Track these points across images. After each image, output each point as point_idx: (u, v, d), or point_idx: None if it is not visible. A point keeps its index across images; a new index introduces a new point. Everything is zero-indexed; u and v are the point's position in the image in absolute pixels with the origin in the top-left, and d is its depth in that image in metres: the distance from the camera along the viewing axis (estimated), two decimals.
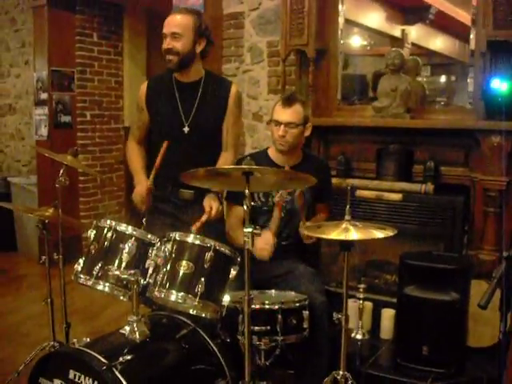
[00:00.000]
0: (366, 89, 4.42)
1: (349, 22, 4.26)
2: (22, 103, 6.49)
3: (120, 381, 2.10)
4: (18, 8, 6.39)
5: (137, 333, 2.33)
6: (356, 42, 4.80)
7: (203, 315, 2.32)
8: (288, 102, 2.92)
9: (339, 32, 4.11)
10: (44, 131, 5.58)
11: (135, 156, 3.15)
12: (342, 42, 4.14)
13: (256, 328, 2.40)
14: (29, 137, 6.32)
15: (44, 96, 5.59)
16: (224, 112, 3.00)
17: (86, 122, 5.86)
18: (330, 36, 4.10)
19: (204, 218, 2.71)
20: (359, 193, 3.69)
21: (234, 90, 3.04)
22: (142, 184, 2.93)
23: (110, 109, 6.10)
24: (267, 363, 2.53)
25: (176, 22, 2.87)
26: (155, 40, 6.13)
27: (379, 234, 2.30)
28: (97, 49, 5.97)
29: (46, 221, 2.94)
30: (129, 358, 2.22)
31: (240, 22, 4.60)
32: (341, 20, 4.11)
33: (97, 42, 5.97)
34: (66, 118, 5.68)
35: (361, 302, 3.37)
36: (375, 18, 4.68)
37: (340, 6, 4.08)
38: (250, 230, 2.07)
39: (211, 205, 2.85)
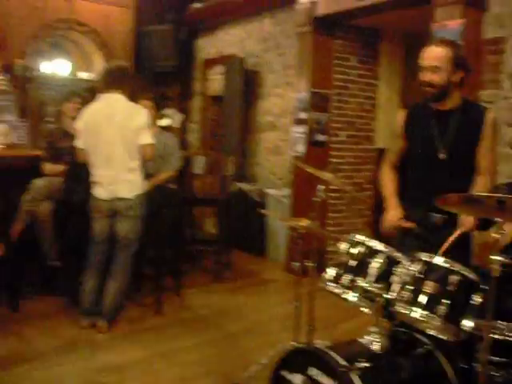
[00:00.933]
0: None
1: None
2: (282, 121, 6.88)
3: None
4: (284, 34, 6.86)
5: (376, 344, 2.46)
6: None
7: (443, 337, 2.35)
8: None
9: None
10: (301, 148, 5.92)
11: (388, 180, 3.29)
12: None
13: (495, 359, 2.32)
14: (286, 152, 6.67)
15: (303, 115, 5.92)
16: (480, 138, 2.98)
17: (339, 141, 6.13)
18: None
19: (455, 235, 2.76)
20: None
21: (490, 115, 3.00)
22: (393, 212, 3.08)
23: (363, 130, 6.27)
24: None
25: (434, 55, 2.92)
26: (411, 65, 6.25)
27: None
28: (354, 72, 6.22)
29: (301, 231, 3.20)
30: (367, 365, 2.36)
31: (500, 48, 4.47)
32: None
33: (354, 65, 6.21)
34: (321, 137, 5.97)
35: None
36: None
37: None
38: (498, 258, 2.08)
39: (466, 220, 2.87)
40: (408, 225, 3.00)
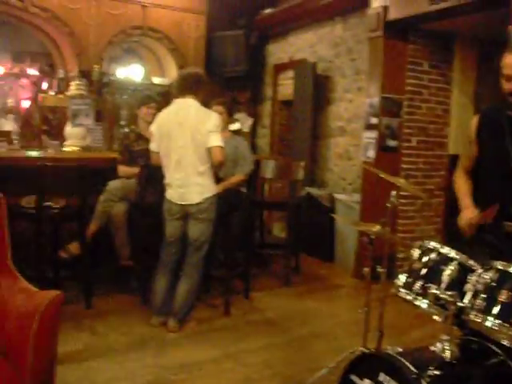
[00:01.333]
0: None
1: None
2: (352, 126, 6.86)
3: None
4: (356, 39, 6.83)
5: (447, 352, 2.43)
6: None
7: None
8: None
9: None
10: (371, 153, 5.89)
11: (462, 183, 3.24)
12: None
13: None
14: (356, 157, 6.66)
15: (374, 121, 5.89)
16: None
17: (411, 147, 6.05)
18: None
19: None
20: None
21: None
22: (469, 209, 3.03)
23: (435, 136, 6.17)
24: None
25: None
26: (486, 70, 6.12)
27: None
28: (426, 77, 6.13)
29: (372, 236, 3.20)
30: (437, 373, 2.33)
31: None
32: None
33: (427, 70, 6.11)
34: (392, 143, 5.91)
35: None
36: None
37: None
38: None
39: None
40: (487, 214, 2.92)
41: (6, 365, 2.40)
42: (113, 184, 5.05)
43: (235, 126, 6.65)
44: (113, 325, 4.38)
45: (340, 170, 7.12)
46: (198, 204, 4.27)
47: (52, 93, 7.87)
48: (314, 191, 6.85)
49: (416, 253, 2.62)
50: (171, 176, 4.32)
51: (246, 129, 8.47)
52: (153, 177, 4.56)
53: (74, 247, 4.91)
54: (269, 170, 6.16)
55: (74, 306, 4.54)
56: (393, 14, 5.67)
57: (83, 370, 3.61)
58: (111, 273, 5.24)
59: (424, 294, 2.50)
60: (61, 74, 7.64)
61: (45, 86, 8.51)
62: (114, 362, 3.76)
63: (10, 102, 8.54)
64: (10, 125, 8.01)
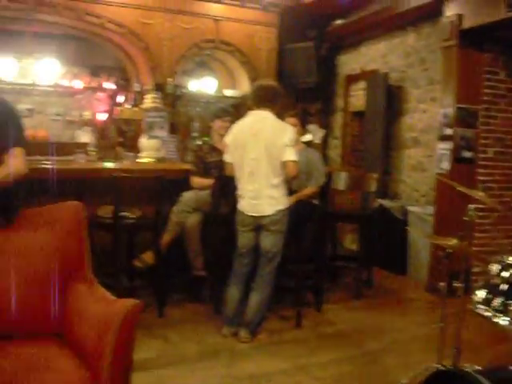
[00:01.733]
0: None
1: None
2: (426, 137, 6.75)
3: None
4: (429, 48, 6.73)
5: None
6: None
7: None
8: None
9: None
10: (445, 165, 5.77)
11: None
12: None
13: None
14: (429, 169, 6.55)
15: (448, 131, 5.76)
16: None
17: (487, 158, 5.91)
18: None
19: None
20: None
21: None
22: None
23: None
24: None
25: None
26: None
27: None
28: (503, 86, 5.97)
29: (448, 250, 3.12)
30: None
31: None
32: None
33: (503, 79, 5.96)
34: (467, 154, 5.78)
35: None
36: None
37: None
38: None
39: None
40: None
41: (84, 371, 2.47)
42: (187, 195, 5.12)
43: (306, 138, 6.66)
44: (185, 334, 4.45)
45: (413, 182, 7.01)
46: (270, 216, 4.28)
47: (128, 106, 8.09)
48: (386, 203, 6.76)
49: (495, 268, 2.55)
50: (244, 187, 4.35)
51: (318, 140, 8.45)
52: (226, 188, 4.61)
53: (148, 257, 5.01)
54: (341, 181, 6.13)
55: (147, 314, 4.62)
56: (468, 23, 5.55)
57: (155, 377, 3.68)
58: (184, 282, 5.32)
59: (504, 310, 2.43)
60: (136, 87, 7.84)
61: (120, 99, 8.75)
62: (186, 371, 3.81)
63: (87, 114, 8.81)
64: (86, 137, 8.27)
